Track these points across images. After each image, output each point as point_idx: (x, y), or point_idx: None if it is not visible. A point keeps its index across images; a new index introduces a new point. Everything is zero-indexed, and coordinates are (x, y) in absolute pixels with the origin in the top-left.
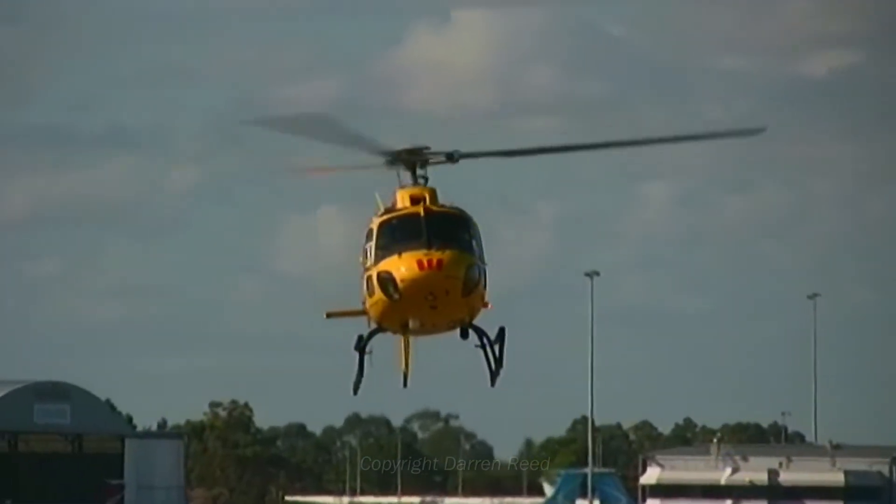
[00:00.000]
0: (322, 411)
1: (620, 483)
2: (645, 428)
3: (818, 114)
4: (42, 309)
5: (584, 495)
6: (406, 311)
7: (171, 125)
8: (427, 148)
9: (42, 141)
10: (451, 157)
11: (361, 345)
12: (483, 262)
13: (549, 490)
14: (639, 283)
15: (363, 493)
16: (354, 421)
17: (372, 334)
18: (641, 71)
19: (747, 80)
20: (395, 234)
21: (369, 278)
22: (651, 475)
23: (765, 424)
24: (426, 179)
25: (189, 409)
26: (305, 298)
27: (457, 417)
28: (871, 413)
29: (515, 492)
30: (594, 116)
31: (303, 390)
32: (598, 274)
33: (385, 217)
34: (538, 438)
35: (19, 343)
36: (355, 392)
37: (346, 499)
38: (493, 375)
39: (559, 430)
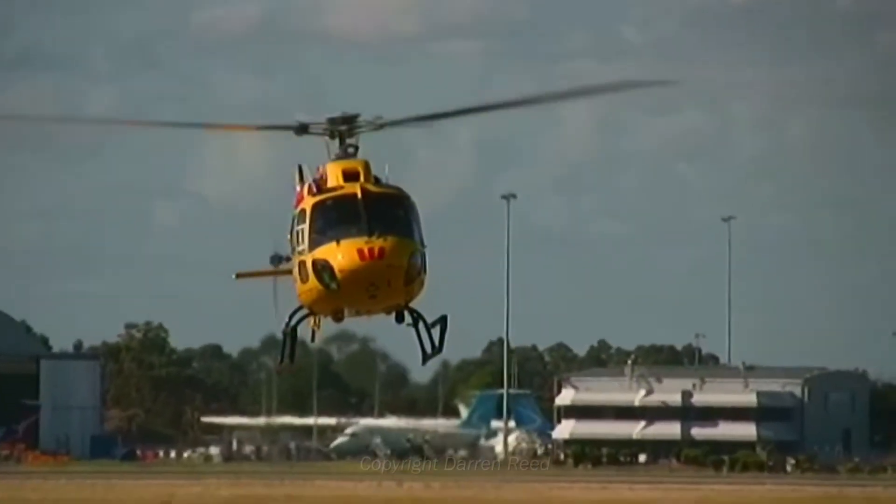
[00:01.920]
0: (238, 333)
1: (535, 404)
2: (560, 350)
3: (736, 36)
4: None
5: (499, 416)
6: (344, 300)
7: (90, 46)
8: (357, 116)
9: None
10: (375, 125)
11: (290, 330)
12: (423, 244)
13: (464, 411)
14: (555, 205)
15: (279, 414)
16: (271, 343)
17: (301, 319)
18: None
19: (667, 2)
20: (332, 217)
21: (302, 264)
22: (566, 396)
23: (679, 346)
24: (356, 149)
25: (105, 330)
26: (222, 221)
27: (374, 340)
28: (785, 335)
29: (431, 413)
30: (514, 39)
31: (219, 312)
32: (514, 196)
33: (319, 198)
34: (454, 360)
35: None
36: (281, 362)
37: (262, 420)
38: (426, 356)
39: (475, 351)
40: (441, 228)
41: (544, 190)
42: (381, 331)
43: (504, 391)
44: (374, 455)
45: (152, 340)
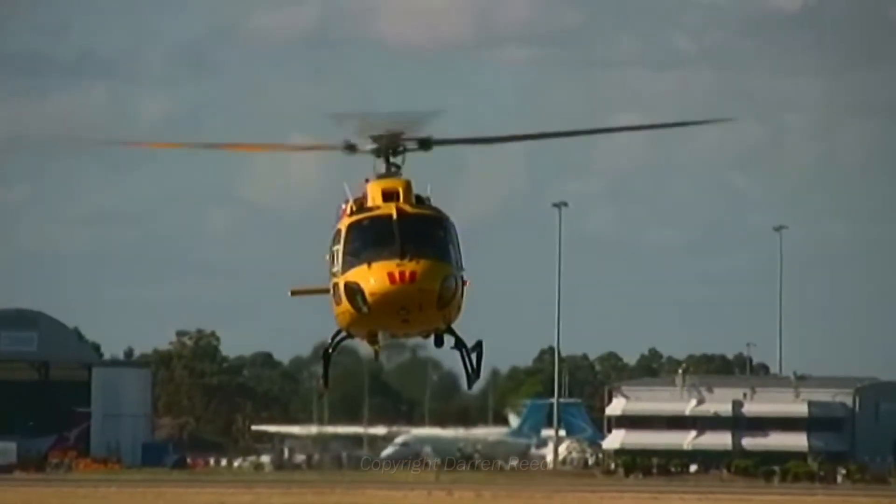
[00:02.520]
0: (289, 341)
1: (586, 413)
2: (611, 359)
3: (790, 46)
4: (11, 236)
5: (549, 425)
6: (376, 324)
7: (145, 52)
8: (402, 134)
9: (14, 67)
10: (425, 145)
11: (327, 353)
12: (460, 266)
13: (514, 420)
14: (607, 214)
15: (330, 422)
16: (322, 350)
17: (339, 342)
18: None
19: (721, 12)
20: (365, 239)
21: (336, 286)
22: (616, 406)
23: (730, 356)
24: (399, 168)
25: (156, 337)
26: (275, 229)
27: (424, 348)
28: (835, 345)
29: (481, 422)
30: (569, 46)
31: (270, 320)
32: (566, 205)
33: (355, 218)
34: (504, 369)
35: None
36: (325, 386)
37: (313, 428)
38: (470, 381)
39: (525, 360)
40: (493, 236)
41: (596, 198)
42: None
43: (555, 400)
44: (425, 464)
45: (203, 348)
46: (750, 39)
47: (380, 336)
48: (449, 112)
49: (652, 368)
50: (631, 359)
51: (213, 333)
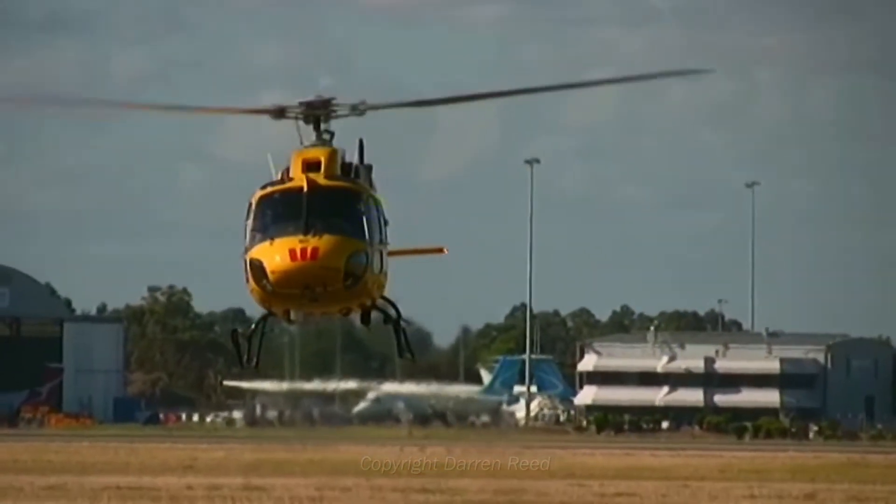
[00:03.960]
0: None
1: (558, 370)
2: (583, 315)
3: (762, 1)
4: None
5: (521, 382)
6: (282, 302)
7: (113, 8)
8: (333, 99)
9: None
10: (356, 110)
11: (234, 333)
12: (382, 241)
13: (486, 377)
14: (578, 170)
15: (302, 379)
16: None
17: (259, 322)
18: None
19: None
20: (273, 213)
21: (244, 262)
22: (588, 362)
23: (702, 312)
24: (332, 135)
25: (128, 293)
26: (246, 186)
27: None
28: (808, 301)
29: (452, 378)
30: (541, 4)
31: (242, 276)
32: (538, 161)
33: (265, 191)
34: (476, 326)
35: None
36: (243, 366)
37: (284, 384)
38: (401, 354)
39: (497, 317)
40: (465, 194)
41: (568, 155)
42: (403, 295)
43: (526, 357)
44: (397, 420)
45: (175, 304)
46: None
47: (293, 314)
48: (420, 71)
49: (624, 325)
50: (603, 315)
51: (184, 290)
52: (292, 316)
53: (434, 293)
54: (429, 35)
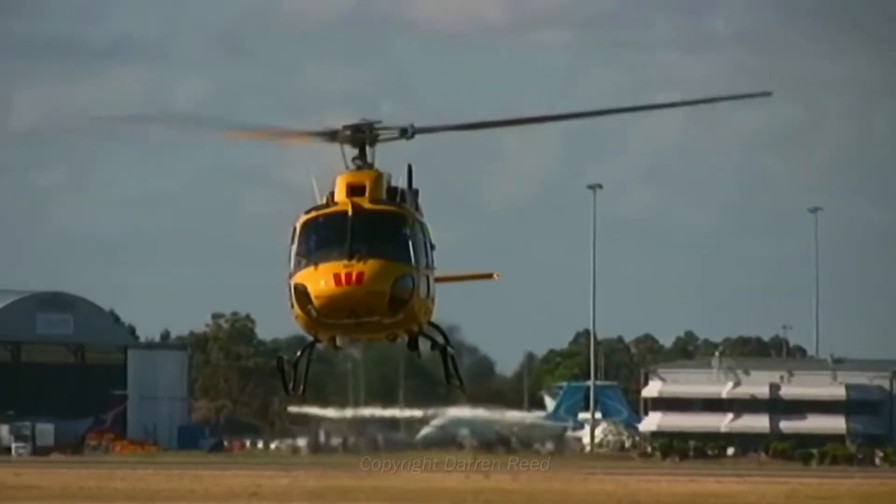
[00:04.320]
0: None
1: (622, 396)
2: (647, 341)
3: (827, 27)
4: (47, 220)
5: (585, 408)
6: (327, 328)
7: (179, 36)
8: (378, 123)
9: (50, 52)
10: (406, 133)
11: (280, 360)
12: (428, 266)
13: (550, 403)
14: (642, 196)
15: (366, 405)
16: None
17: (305, 349)
18: None
19: None
20: (318, 237)
21: (290, 288)
22: (652, 388)
23: (766, 338)
24: (367, 159)
25: (192, 320)
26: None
27: (458, 330)
28: (872, 327)
29: (517, 404)
30: (604, 29)
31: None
32: (601, 187)
33: (310, 216)
34: (540, 352)
35: (24, 253)
36: (288, 394)
37: (348, 411)
38: (450, 382)
39: (562, 343)
40: (528, 219)
41: (631, 180)
42: (467, 322)
43: (591, 383)
44: (462, 447)
45: (239, 331)
46: (786, 21)
47: (339, 340)
48: (485, 96)
49: (688, 351)
50: (667, 341)
51: (248, 316)
52: (338, 342)
53: (498, 319)
54: (492, 61)
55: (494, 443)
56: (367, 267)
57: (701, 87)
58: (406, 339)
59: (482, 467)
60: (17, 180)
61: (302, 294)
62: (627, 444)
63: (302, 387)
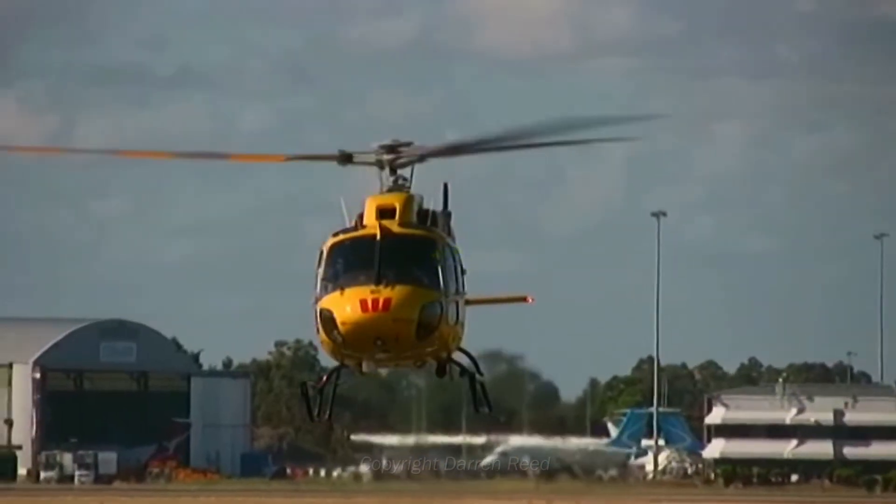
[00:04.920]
0: None
1: (685, 423)
2: (710, 368)
3: (888, 53)
4: (110, 247)
5: (649, 435)
6: (353, 354)
7: (242, 64)
8: (409, 143)
9: (113, 80)
10: (417, 156)
11: (303, 385)
12: (457, 291)
13: (613, 430)
14: (705, 222)
15: (428, 432)
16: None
17: (331, 374)
18: (715, 9)
19: (820, 20)
20: (345, 261)
21: (315, 313)
22: (716, 415)
23: (830, 364)
24: (405, 181)
25: (254, 348)
26: None
27: (521, 358)
28: None
29: (580, 431)
30: (668, 56)
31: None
32: (664, 214)
33: (337, 238)
34: (603, 378)
35: (86, 281)
36: (313, 420)
37: (411, 438)
38: (478, 408)
39: (625, 369)
40: (592, 246)
41: (694, 207)
42: (530, 349)
43: (654, 409)
44: (524, 474)
45: (302, 358)
46: (848, 46)
47: (365, 366)
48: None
49: (751, 377)
50: (730, 368)
51: (310, 343)
52: (364, 367)
53: (562, 346)
54: (553, 87)
55: (557, 470)
56: (395, 293)
57: (765, 113)
58: (434, 364)
59: (544, 494)
60: (80, 208)
61: (328, 320)
62: (690, 470)
63: (328, 412)
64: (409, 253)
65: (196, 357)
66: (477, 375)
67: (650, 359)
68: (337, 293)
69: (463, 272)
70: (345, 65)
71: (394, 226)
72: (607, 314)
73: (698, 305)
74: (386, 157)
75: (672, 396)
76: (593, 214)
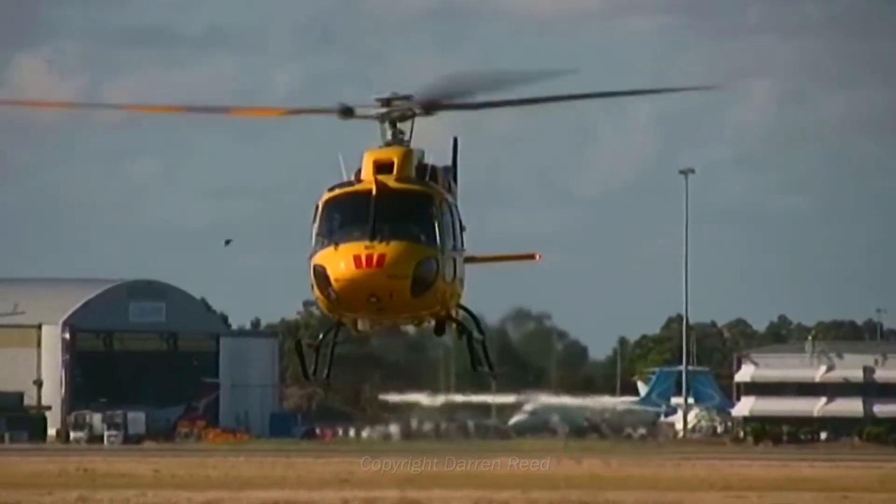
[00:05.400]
0: None
1: (714, 381)
2: (739, 326)
3: None
4: (139, 208)
5: (678, 393)
6: (349, 311)
7: (269, 25)
8: (410, 96)
9: (140, 41)
10: (427, 110)
11: (298, 343)
12: (455, 248)
13: (643, 388)
14: (734, 181)
15: (457, 391)
16: None
17: (328, 332)
18: None
19: None
20: (340, 217)
21: (309, 268)
22: (745, 373)
23: (860, 322)
24: (403, 135)
25: (283, 307)
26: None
27: (549, 317)
28: None
29: (609, 391)
30: (697, 13)
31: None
32: (693, 171)
33: (333, 193)
34: (632, 337)
35: (115, 242)
36: (308, 378)
37: (440, 397)
38: (475, 367)
39: (654, 328)
40: (621, 204)
41: (723, 165)
42: (559, 308)
43: (683, 368)
44: (553, 433)
45: (330, 318)
46: (882, 3)
47: (360, 324)
48: (575, 78)
49: (781, 335)
50: (760, 326)
51: None
52: (360, 325)
53: (591, 305)
54: (585, 46)
55: (586, 429)
56: (390, 249)
57: (797, 70)
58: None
59: (573, 453)
60: (109, 169)
61: (321, 276)
62: (720, 429)
63: (327, 371)
64: (405, 208)
65: (225, 318)
66: (476, 334)
67: (679, 317)
68: (331, 249)
69: (462, 229)
70: (371, 25)
71: (390, 181)
72: (636, 272)
73: (727, 263)
74: (385, 109)
75: (701, 355)
76: (622, 172)
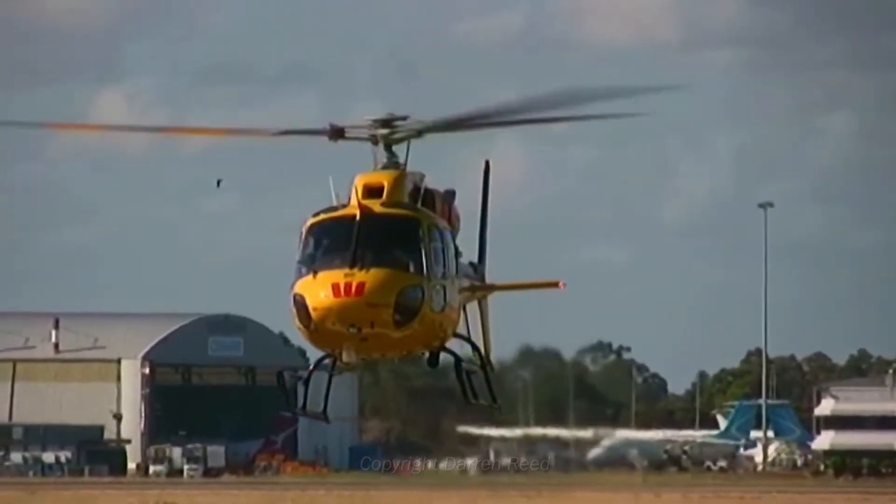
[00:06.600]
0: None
1: (794, 415)
2: (819, 359)
3: None
4: (218, 243)
5: (757, 427)
6: (330, 343)
7: (348, 61)
8: (404, 118)
9: (220, 77)
10: (426, 129)
11: (280, 374)
12: (445, 276)
13: (722, 422)
14: (813, 214)
15: (536, 425)
16: (527, 354)
17: (317, 364)
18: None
19: None
20: (322, 243)
21: (290, 298)
22: (825, 406)
23: None
24: (396, 158)
25: None
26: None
27: (629, 350)
28: None
29: (688, 424)
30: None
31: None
32: (772, 205)
33: (316, 219)
34: (712, 371)
35: (194, 276)
36: (292, 411)
37: (518, 430)
38: (467, 399)
39: (733, 361)
40: (700, 238)
41: (802, 198)
42: (639, 342)
43: (763, 401)
44: (632, 467)
45: None
46: None
47: (345, 356)
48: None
49: (861, 369)
50: (840, 359)
51: None
52: (344, 357)
53: (670, 339)
54: (659, 79)
55: (665, 462)
56: (370, 277)
57: (874, 104)
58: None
59: (652, 487)
60: (189, 203)
61: (300, 305)
62: (800, 462)
63: (323, 406)
64: (389, 234)
65: (304, 352)
66: (464, 365)
67: (758, 351)
68: (310, 277)
69: (458, 255)
70: (452, 59)
71: (376, 205)
72: (715, 306)
73: (806, 296)
74: (380, 131)
75: (780, 388)
76: (702, 206)
